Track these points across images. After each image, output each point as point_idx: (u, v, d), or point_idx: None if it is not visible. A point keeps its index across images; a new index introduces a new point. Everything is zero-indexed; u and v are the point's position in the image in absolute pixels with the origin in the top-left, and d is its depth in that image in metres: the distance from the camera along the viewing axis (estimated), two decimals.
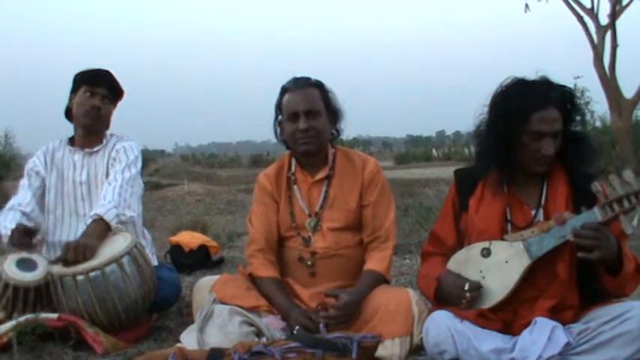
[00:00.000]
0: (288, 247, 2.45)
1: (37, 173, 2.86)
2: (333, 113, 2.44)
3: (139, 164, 2.85)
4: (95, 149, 2.86)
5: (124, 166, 2.77)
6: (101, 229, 2.56)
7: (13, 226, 2.63)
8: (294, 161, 2.49)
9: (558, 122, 1.99)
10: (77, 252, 2.42)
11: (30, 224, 2.69)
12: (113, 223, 2.58)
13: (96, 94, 2.78)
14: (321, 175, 2.44)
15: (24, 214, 2.74)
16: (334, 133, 2.49)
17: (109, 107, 2.85)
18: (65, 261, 2.43)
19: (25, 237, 2.60)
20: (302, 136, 2.35)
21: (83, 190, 2.82)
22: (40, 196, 2.85)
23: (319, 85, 2.42)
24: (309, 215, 2.43)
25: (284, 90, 2.41)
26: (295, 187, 2.46)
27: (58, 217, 2.83)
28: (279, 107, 2.43)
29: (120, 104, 2.94)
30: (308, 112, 2.34)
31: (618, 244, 1.90)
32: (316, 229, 2.41)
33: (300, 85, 2.39)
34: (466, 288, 2.01)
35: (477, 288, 2.02)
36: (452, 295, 2.05)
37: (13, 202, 2.81)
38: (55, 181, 2.85)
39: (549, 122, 1.97)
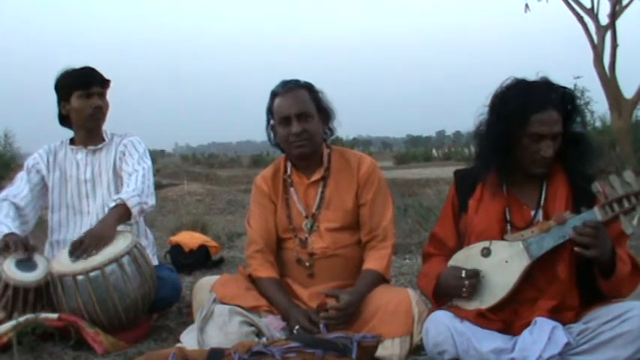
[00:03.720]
0: (286, 249, 2.45)
1: (38, 171, 2.85)
2: (325, 113, 2.43)
3: (149, 157, 2.88)
4: (99, 146, 2.87)
5: (139, 158, 2.79)
6: (121, 215, 2.58)
7: (7, 227, 2.59)
8: (289, 163, 2.48)
9: (558, 124, 1.99)
10: (88, 244, 2.45)
11: (22, 230, 2.66)
12: (135, 211, 2.59)
13: (93, 95, 2.76)
14: (316, 176, 2.43)
15: (17, 207, 2.72)
16: (327, 133, 2.48)
17: (106, 101, 2.85)
18: (74, 249, 2.46)
19: (21, 249, 2.53)
20: (295, 139, 2.34)
21: (87, 187, 2.83)
22: (38, 194, 2.83)
23: (308, 87, 2.40)
24: (306, 217, 2.42)
25: (274, 94, 2.39)
26: (292, 189, 2.46)
27: (62, 216, 2.83)
28: (270, 112, 2.42)
29: (113, 95, 2.93)
30: (299, 115, 2.33)
31: (613, 248, 1.90)
32: (313, 229, 2.40)
33: (289, 88, 2.37)
34: (463, 275, 2.02)
35: (475, 275, 2.01)
36: (450, 287, 2.05)
37: (7, 192, 2.78)
38: (58, 181, 2.85)
39: (549, 124, 1.97)
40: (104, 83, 2.82)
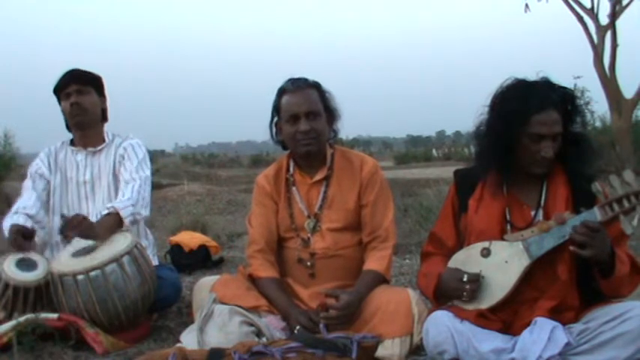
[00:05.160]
0: (287, 248, 2.45)
1: (42, 175, 2.86)
2: (331, 113, 2.43)
3: (149, 163, 2.87)
4: (99, 148, 2.87)
5: (137, 165, 2.79)
6: (113, 222, 2.58)
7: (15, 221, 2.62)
8: (291, 163, 2.48)
9: (558, 125, 1.99)
10: (78, 222, 2.47)
11: (28, 224, 2.68)
12: (127, 221, 2.60)
13: (70, 94, 2.79)
14: (319, 175, 2.43)
15: (29, 217, 2.73)
16: (331, 134, 2.48)
17: (88, 98, 2.83)
18: (65, 229, 2.48)
19: (21, 238, 2.58)
20: (303, 137, 2.33)
21: (87, 189, 2.83)
22: (46, 198, 2.85)
23: (317, 86, 2.41)
24: (308, 216, 2.42)
25: (282, 91, 2.38)
26: (294, 188, 2.46)
27: None
28: (277, 109, 2.40)
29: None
30: (308, 113, 2.33)
31: (612, 248, 1.90)
32: (315, 229, 2.40)
33: (298, 86, 2.37)
34: (464, 279, 2.02)
35: (476, 279, 2.02)
36: (451, 289, 2.05)
37: (17, 205, 2.80)
38: (59, 183, 2.85)
39: (549, 125, 1.97)
40: (83, 80, 2.83)
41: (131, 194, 2.66)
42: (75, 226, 2.48)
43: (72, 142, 2.93)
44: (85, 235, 2.49)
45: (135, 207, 2.63)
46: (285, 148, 2.48)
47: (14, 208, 2.79)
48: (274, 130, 2.46)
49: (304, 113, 2.33)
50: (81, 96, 2.80)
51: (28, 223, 2.68)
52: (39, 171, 2.87)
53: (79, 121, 2.82)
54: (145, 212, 2.72)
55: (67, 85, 2.80)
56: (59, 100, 2.86)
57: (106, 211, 2.60)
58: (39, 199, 2.81)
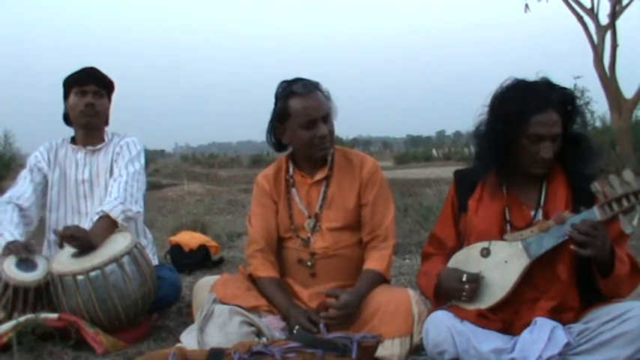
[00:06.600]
0: (287, 248, 2.45)
1: (40, 169, 2.86)
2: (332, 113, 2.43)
3: (142, 159, 2.86)
4: (98, 147, 2.86)
5: (128, 161, 2.78)
6: (107, 226, 2.57)
7: (13, 232, 2.61)
8: (291, 163, 2.46)
9: (558, 125, 1.99)
10: (74, 234, 2.46)
11: (25, 231, 2.69)
12: (120, 220, 2.59)
13: (86, 93, 2.78)
14: (319, 176, 2.42)
15: (21, 208, 2.73)
16: None
17: (103, 101, 2.84)
18: (63, 240, 2.47)
19: (22, 249, 2.56)
20: (321, 141, 2.31)
21: (85, 188, 2.82)
22: (41, 193, 2.84)
23: (319, 87, 2.39)
24: (309, 216, 2.42)
25: (289, 94, 2.31)
26: (293, 189, 2.45)
27: (60, 215, 2.83)
28: (283, 112, 2.33)
29: (114, 97, 2.93)
30: (325, 117, 2.31)
31: (612, 248, 1.90)
32: (315, 229, 2.40)
33: (310, 89, 2.31)
34: (464, 279, 2.02)
35: (475, 279, 2.01)
36: (450, 289, 2.05)
37: (10, 193, 2.80)
38: (57, 179, 2.85)
39: (549, 125, 1.97)
40: (102, 83, 2.83)
41: (118, 192, 2.66)
42: (70, 238, 2.46)
43: (72, 140, 2.92)
44: (81, 246, 2.48)
45: (124, 204, 2.63)
46: (280, 150, 2.45)
47: (6, 196, 2.79)
48: (276, 132, 2.40)
49: (321, 117, 2.30)
50: (97, 98, 2.80)
51: (20, 230, 2.66)
52: (38, 164, 2.86)
53: (89, 123, 2.82)
54: (136, 207, 2.70)
55: (85, 82, 2.79)
56: (67, 93, 2.83)
57: (96, 216, 2.59)
58: (34, 192, 2.81)
